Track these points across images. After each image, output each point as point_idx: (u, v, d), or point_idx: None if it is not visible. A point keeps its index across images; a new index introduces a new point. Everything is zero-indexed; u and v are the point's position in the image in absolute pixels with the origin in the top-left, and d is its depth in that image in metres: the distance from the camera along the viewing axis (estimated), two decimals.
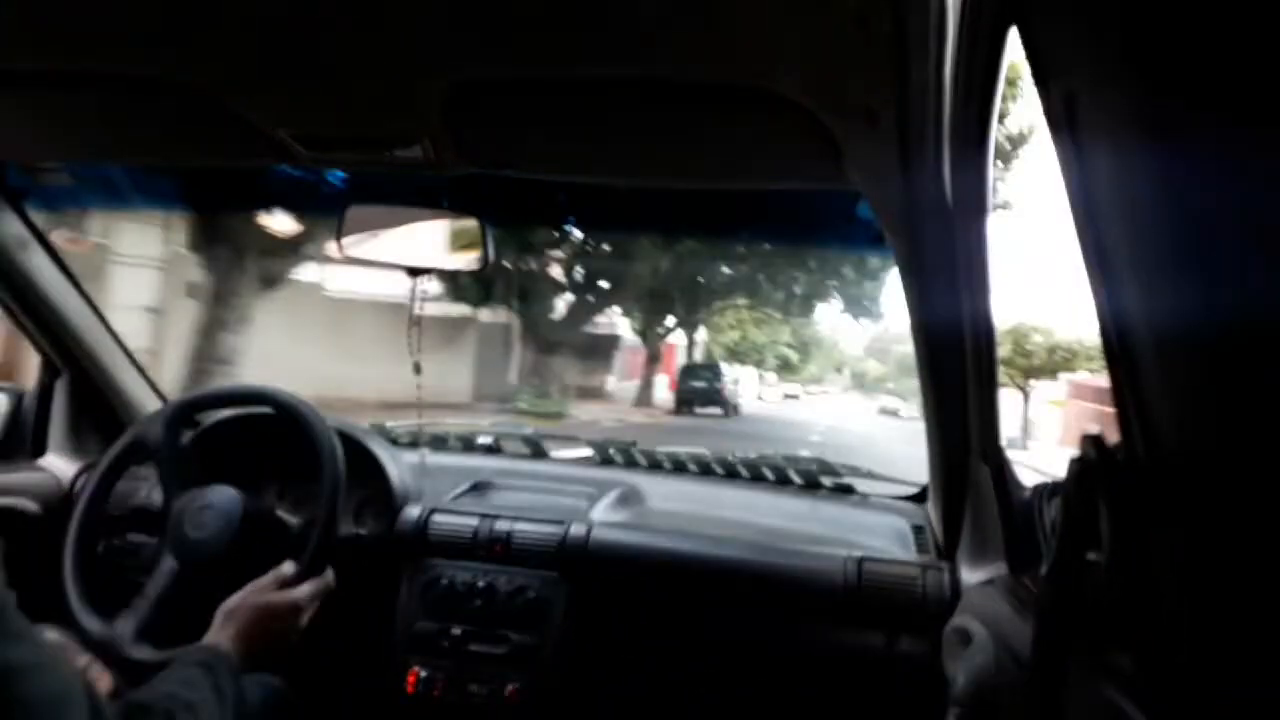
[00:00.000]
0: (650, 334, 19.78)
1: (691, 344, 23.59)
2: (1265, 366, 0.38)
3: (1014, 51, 0.64)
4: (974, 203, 0.90)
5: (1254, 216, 0.36)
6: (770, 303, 19.95)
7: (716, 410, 18.29)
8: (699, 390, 18.58)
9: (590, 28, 0.71)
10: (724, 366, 20.38)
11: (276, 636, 1.07)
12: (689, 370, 19.91)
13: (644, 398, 19.01)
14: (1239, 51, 0.34)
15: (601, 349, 20.36)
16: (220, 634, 1.02)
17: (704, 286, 18.08)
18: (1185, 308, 0.41)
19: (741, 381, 23.85)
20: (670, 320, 20.09)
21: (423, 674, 1.37)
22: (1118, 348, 0.47)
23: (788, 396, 35.69)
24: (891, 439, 16.21)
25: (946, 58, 0.69)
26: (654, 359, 19.74)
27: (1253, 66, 0.34)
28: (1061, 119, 0.47)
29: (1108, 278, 0.47)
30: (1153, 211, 0.42)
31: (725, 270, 17.50)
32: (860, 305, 20.43)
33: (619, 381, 21.46)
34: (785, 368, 32.95)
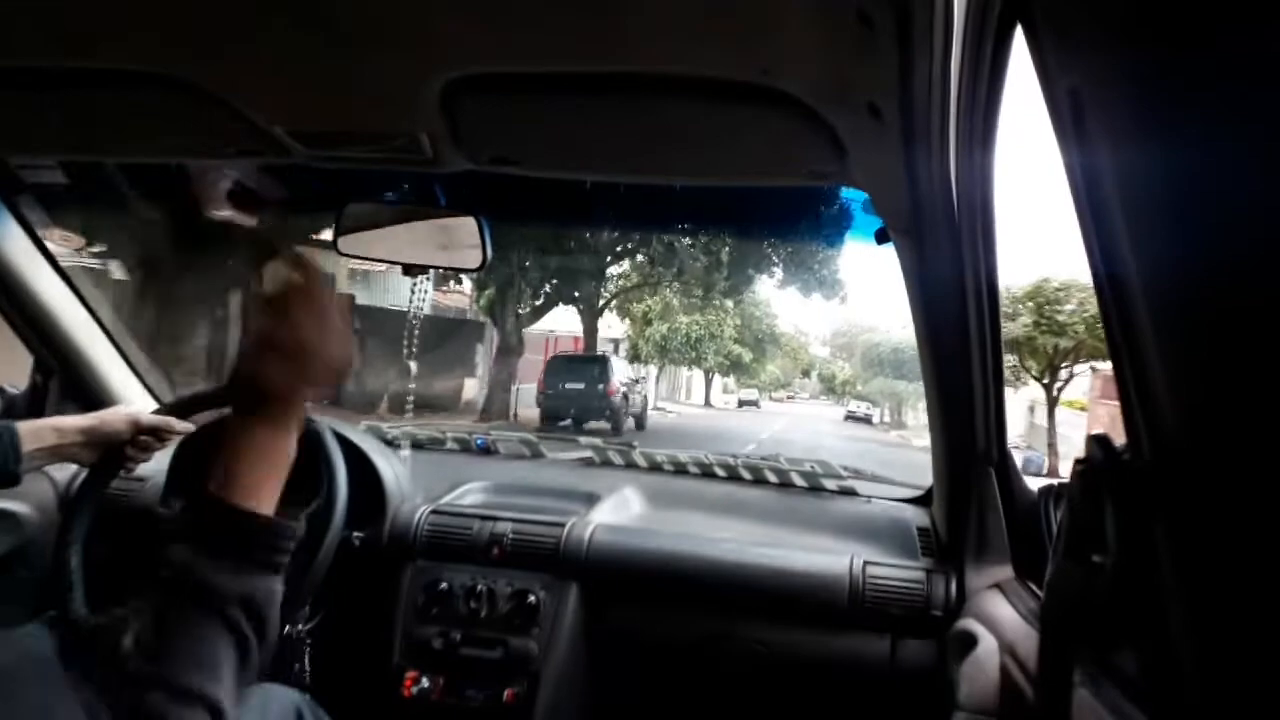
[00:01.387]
0: (503, 314, 12.75)
1: (591, 335, 16.25)
2: (1272, 365, 0.37)
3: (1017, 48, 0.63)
4: (980, 201, 0.89)
5: (1259, 211, 0.36)
6: (689, 273, 13.82)
7: (604, 424, 12.42)
8: (574, 396, 12.43)
9: (590, 24, 0.70)
10: (617, 361, 14.38)
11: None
12: (559, 365, 13.33)
13: (494, 407, 12.55)
14: (1240, 48, 0.34)
15: (451, 340, 13.53)
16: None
17: (577, 240, 12.37)
18: (1191, 304, 0.41)
19: (651, 381, 18.15)
20: (539, 297, 13.44)
21: (420, 679, 1.36)
22: (1123, 345, 0.47)
23: (744, 403, 31.13)
24: (854, 454, 11.73)
25: (952, 54, 0.68)
26: (509, 351, 12.95)
27: (1254, 62, 0.33)
28: (1066, 115, 0.46)
29: (1113, 274, 0.46)
30: (1158, 207, 0.42)
31: (608, 222, 11.52)
32: (809, 274, 14.91)
33: (484, 388, 14.31)
34: (737, 368, 26.73)
